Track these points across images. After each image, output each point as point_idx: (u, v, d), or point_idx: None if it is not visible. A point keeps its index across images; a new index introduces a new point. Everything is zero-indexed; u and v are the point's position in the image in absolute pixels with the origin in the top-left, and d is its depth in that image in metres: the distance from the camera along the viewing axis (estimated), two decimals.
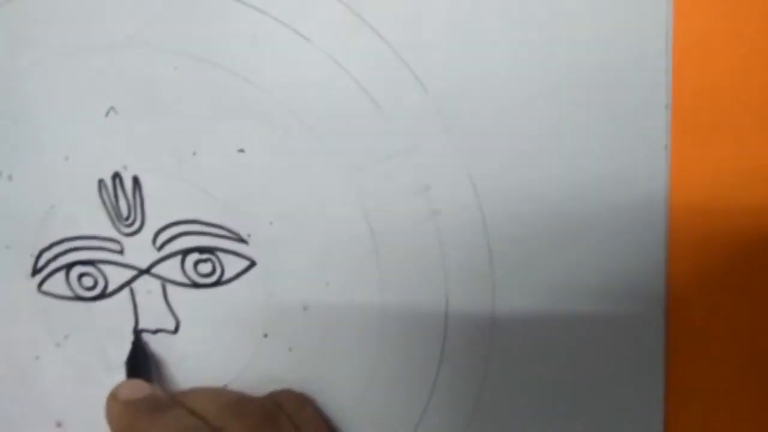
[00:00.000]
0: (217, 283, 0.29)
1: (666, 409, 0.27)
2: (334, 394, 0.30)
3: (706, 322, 0.27)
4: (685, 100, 0.25)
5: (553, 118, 0.26)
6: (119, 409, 0.28)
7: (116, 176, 0.29)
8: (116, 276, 0.30)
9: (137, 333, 0.30)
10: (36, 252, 0.30)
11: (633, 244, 0.26)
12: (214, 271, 0.29)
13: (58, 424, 0.32)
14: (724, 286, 0.27)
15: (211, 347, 0.30)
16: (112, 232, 0.30)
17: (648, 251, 0.26)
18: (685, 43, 0.25)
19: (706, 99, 0.25)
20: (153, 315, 0.30)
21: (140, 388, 0.28)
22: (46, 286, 0.31)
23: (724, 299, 0.27)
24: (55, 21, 0.28)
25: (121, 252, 0.30)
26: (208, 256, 0.29)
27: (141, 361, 0.30)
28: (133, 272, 0.30)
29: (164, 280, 0.30)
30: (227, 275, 0.29)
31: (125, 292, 0.30)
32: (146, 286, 0.30)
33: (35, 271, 0.30)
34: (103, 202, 0.29)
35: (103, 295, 0.30)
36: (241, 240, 0.29)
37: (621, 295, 0.27)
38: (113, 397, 0.28)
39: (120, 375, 0.31)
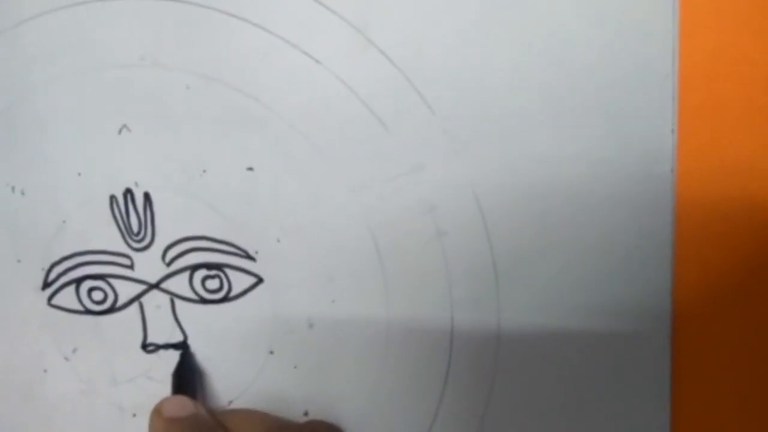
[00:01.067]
0: (225, 299, 0.30)
1: (672, 427, 0.27)
2: (339, 412, 0.30)
3: (713, 339, 0.27)
4: (691, 124, 0.25)
5: (560, 140, 0.26)
6: (163, 426, 0.27)
7: (128, 192, 0.29)
8: (126, 290, 0.30)
9: (185, 345, 0.30)
10: (47, 266, 0.31)
11: (639, 262, 0.26)
12: (221, 287, 0.30)
13: None
14: (730, 304, 0.26)
15: (218, 363, 0.30)
16: (122, 248, 0.30)
17: (654, 269, 0.26)
18: (691, 67, 0.25)
19: (711, 123, 0.25)
20: (161, 330, 0.30)
21: (184, 405, 0.28)
22: (56, 300, 0.31)
23: (731, 317, 0.26)
24: (70, 39, 0.29)
25: (131, 267, 0.30)
26: (216, 272, 0.29)
27: (188, 375, 0.30)
28: (143, 287, 0.30)
29: (173, 296, 0.30)
30: (234, 291, 0.29)
31: (134, 306, 0.30)
32: (155, 300, 0.30)
33: (45, 285, 0.31)
34: (115, 218, 0.30)
35: (112, 309, 0.31)
36: (249, 257, 0.29)
37: (627, 313, 0.27)
38: (157, 413, 0.28)
39: (126, 389, 0.31)
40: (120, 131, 0.29)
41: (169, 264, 0.30)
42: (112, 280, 0.30)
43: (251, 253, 0.29)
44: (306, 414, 0.30)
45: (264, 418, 0.29)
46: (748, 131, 0.25)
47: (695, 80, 0.25)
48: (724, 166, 0.26)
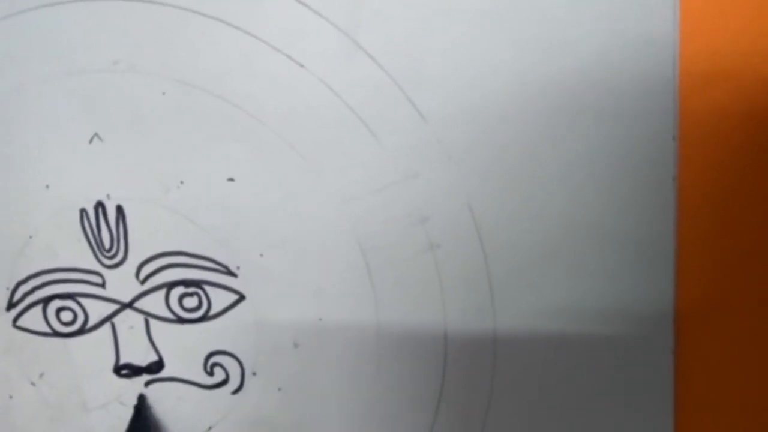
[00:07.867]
0: (204, 318, 0.28)
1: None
2: None
3: (716, 344, 0.26)
4: (691, 132, 0.25)
5: (556, 147, 0.25)
6: None
7: (99, 205, 0.28)
8: (97, 310, 0.29)
9: (141, 397, 0.29)
10: (12, 285, 0.29)
11: (641, 267, 0.26)
12: (200, 305, 0.28)
13: None
14: (733, 309, 0.26)
15: (197, 386, 0.29)
16: (93, 264, 0.28)
17: (656, 273, 0.26)
18: (691, 72, 0.25)
19: (712, 130, 0.25)
20: (135, 352, 0.29)
21: None
22: (21, 321, 0.29)
23: (734, 321, 0.26)
24: (40, 43, 0.27)
25: (102, 285, 0.29)
26: (195, 289, 0.28)
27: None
28: (115, 306, 0.29)
29: (147, 315, 0.29)
30: (214, 310, 0.28)
31: (106, 327, 0.29)
32: (128, 321, 0.29)
33: (10, 305, 0.29)
34: (85, 233, 0.28)
35: (82, 331, 0.29)
36: (230, 273, 0.28)
37: (629, 319, 0.26)
38: None
39: (97, 415, 0.30)
40: (91, 140, 0.28)
41: (143, 281, 0.28)
42: (82, 300, 0.29)
43: (232, 268, 0.28)
44: None
45: None
46: (748, 138, 0.25)
47: (696, 87, 0.25)
48: (725, 168, 0.25)
